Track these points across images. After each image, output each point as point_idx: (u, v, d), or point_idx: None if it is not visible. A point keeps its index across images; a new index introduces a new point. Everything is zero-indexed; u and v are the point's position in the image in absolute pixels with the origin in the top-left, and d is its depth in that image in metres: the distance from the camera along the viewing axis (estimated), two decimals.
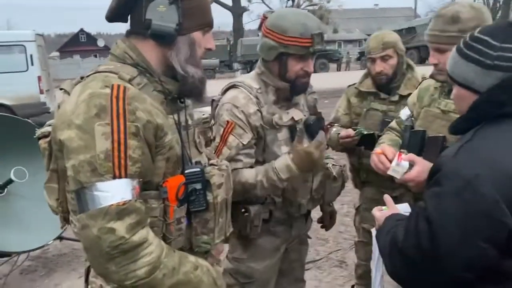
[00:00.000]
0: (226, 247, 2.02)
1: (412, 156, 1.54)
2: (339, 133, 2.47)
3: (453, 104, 1.50)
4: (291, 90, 1.82)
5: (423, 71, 2.48)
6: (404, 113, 1.97)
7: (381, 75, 2.44)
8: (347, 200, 4.84)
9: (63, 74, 26.39)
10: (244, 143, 1.76)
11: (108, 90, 1.07)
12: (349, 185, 5.15)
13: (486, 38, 1.13)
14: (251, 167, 1.81)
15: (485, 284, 1.05)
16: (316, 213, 2.17)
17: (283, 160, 1.74)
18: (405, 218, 1.22)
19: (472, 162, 1.03)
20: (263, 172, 1.76)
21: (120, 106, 1.06)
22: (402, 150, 1.59)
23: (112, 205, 1.03)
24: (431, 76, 1.75)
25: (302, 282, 2.23)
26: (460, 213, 1.02)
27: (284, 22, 1.72)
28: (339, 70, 26.25)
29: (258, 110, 1.78)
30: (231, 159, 1.70)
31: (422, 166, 1.47)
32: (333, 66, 26.48)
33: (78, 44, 52.52)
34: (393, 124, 2.08)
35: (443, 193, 1.06)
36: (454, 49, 1.23)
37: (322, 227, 2.26)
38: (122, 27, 1.31)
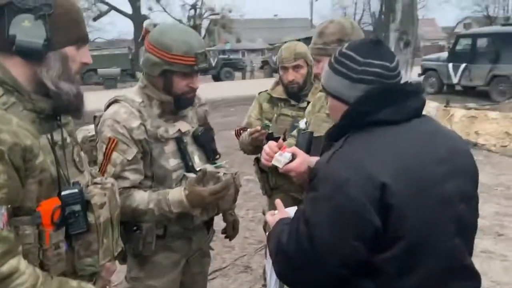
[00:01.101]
0: (124, 267, 1.95)
1: (294, 149, 1.65)
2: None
3: None
4: (175, 104, 1.82)
5: None
6: (302, 121, 2.12)
7: (293, 84, 2.60)
8: (252, 205, 4.94)
9: None
10: (129, 159, 1.71)
11: None
12: (254, 191, 5.26)
13: (351, 53, 1.23)
14: (141, 183, 1.77)
15: (359, 278, 1.14)
16: (222, 223, 2.20)
17: (177, 195, 1.73)
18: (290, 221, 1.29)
19: (342, 167, 1.12)
20: (155, 201, 1.73)
21: None
22: (286, 144, 1.70)
23: None
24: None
25: None
26: (333, 214, 1.10)
27: (167, 40, 1.71)
28: (244, 79, 26.75)
29: (141, 124, 1.74)
30: (117, 177, 1.65)
31: (303, 159, 1.59)
32: (238, 74, 26.93)
33: None
34: (294, 132, 2.21)
35: (318, 197, 1.14)
36: (327, 63, 1.32)
37: (226, 237, 2.28)
38: None
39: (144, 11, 30.50)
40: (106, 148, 1.70)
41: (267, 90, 2.78)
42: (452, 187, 1.14)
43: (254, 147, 2.60)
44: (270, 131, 2.54)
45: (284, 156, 1.59)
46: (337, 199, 1.09)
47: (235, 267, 3.65)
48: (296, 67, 2.58)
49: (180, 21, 32.36)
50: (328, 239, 1.10)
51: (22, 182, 1.06)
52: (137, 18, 28.26)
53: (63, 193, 1.14)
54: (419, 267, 1.11)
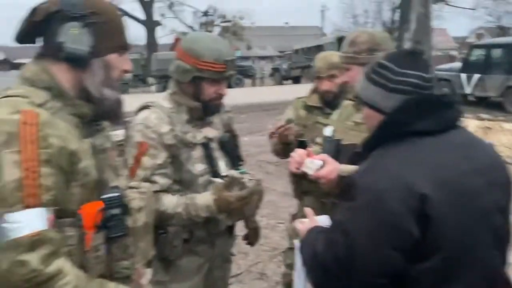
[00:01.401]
0: (149, 271, 1.97)
1: (324, 156, 1.68)
2: None
3: None
4: (204, 110, 1.86)
5: None
6: (328, 129, 2.14)
7: (328, 93, 2.64)
8: (266, 212, 4.94)
9: None
10: (159, 163, 1.75)
11: (17, 116, 1.02)
12: (267, 197, 5.24)
13: (388, 63, 1.24)
14: (169, 187, 1.79)
15: None
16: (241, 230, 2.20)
17: (205, 200, 1.76)
18: (325, 230, 1.29)
19: (380, 178, 1.12)
20: (184, 206, 1.76)
21: (31, 133, 1.00)
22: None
23: (23, 236, 0.97)
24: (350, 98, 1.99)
25: None
26: (371, 224, 1.10)
27: (198, 47, 1.76)
28: (254, 86, 26.82)
29: (171, 129, 1.79)
30: (146, 181, 1.68)
31: (333, 166, 1.61)
32: (248, 81, 27.00)
33: None
34: (319, 139, 2.24)
35: (356, 207, 1.14)
36: (363, 73, 1.34)
37: (247, 243, 2.30)
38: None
39: (156, 17, 30.78)
40: (137, 153, 1.74)
41: (303, 97, 2.82)
42: (490, 199, 1.14)
43: (284, 148, 2.60)
44: (303, 139, 2.55)
45: (315, 163, 1.61)
46: (375, 209, 1.10)
47: (250, 274, 3.65)
48: (330, 77, 2.62)
49: (191, 27, 32.61)
50: (366, 249, 1.11)
51: (67, 185, 1.08)
52: (149, 24, 28.51)
53: (104, 196, 1.16)
54: (457, 278, 1.11)
